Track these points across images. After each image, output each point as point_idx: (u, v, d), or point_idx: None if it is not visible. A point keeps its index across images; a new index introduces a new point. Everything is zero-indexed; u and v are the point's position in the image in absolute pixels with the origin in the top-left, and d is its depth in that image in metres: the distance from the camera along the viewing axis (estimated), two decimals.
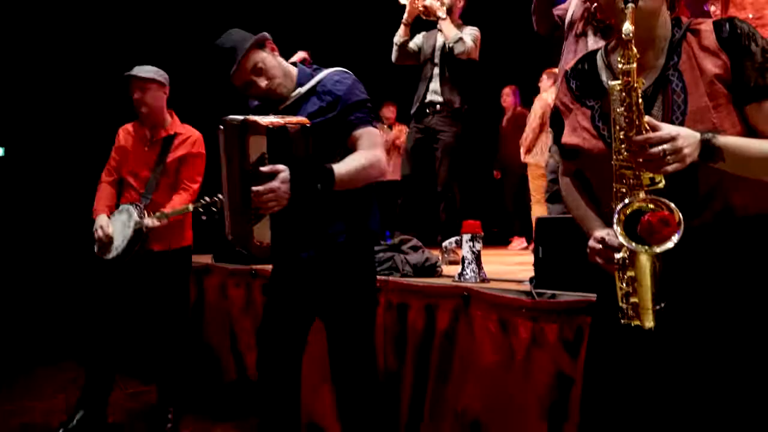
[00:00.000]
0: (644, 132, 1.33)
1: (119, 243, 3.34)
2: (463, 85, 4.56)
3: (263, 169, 1.96)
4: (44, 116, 5.50)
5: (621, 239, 1.35)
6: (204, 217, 3.47)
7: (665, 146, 1.30)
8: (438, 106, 4.53)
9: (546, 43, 4.08)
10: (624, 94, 1.35)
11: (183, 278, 3.65)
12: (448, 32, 4.40)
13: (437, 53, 4.54)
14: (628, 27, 1.34)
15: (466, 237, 3.01)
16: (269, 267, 2.71)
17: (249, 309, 3.88)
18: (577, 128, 1.61)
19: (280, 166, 1.96)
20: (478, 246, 3.01)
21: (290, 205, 1.99)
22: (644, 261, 1.35)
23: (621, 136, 1.38)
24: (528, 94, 6.84)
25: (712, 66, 1.41)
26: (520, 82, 7.02)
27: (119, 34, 5.82)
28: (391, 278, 3.21)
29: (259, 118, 2.01)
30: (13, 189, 5.52)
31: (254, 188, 1.94)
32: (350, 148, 2.18)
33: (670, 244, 1.29)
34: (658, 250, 1.31)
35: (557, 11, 3.89)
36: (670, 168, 1.31)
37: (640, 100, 1.34)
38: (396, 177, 6.15)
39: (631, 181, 1.39)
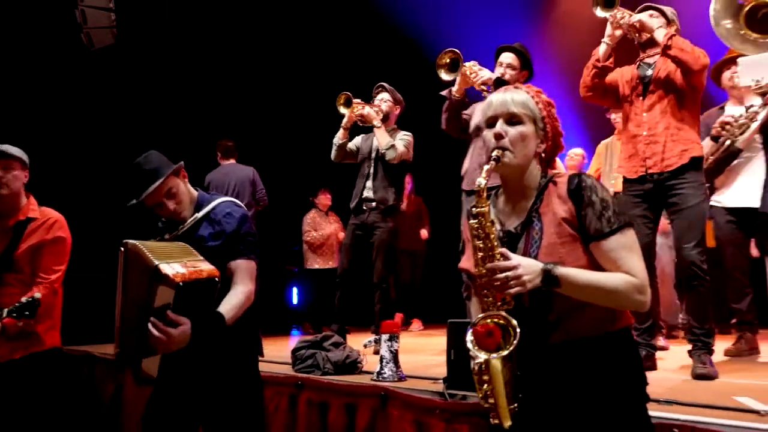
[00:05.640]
0: (496, 260, 1.64)
1: None
2: (396, 184, 4.89)
3: (170, 317, 2.08)
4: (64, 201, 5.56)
5: (469, 345, 1.63)
6: (19, 323, 2.84)
7: (508, 273, 1.61)
8: (373, 203, 4.80)
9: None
10: (480, 230, 1.68)
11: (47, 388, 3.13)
12: (381, 140, 4.75)
13: (373, 154, 4.88)
14: (480, 180, 1.68)
15: (384, 337, 3.16)
16: None
17: None
18: (470, 257, 1.85)
19: (184, 319, 2.11)
20: (396, 345, 3.16)
21: (186, 347, 2.13)
22: (495, 366, 1.59)
23: (480, 263, 1.68)
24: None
25: (561, 210, 1.73)
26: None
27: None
28: (312, 376, 3.31)
29: (172, 269, 2.07)
30: None
31: (151, 330, 2.05)
32: (228, 275, 2.36)
33: (495, 354, 1.58)
34: (492, 356, 1.58)
35: (465, 115, 4.27)
36: (512, 291, 1.61)
37: (492, 235, 1.67)
38: (335, 265, 6.37)
39: (489, 299, 1.69)
